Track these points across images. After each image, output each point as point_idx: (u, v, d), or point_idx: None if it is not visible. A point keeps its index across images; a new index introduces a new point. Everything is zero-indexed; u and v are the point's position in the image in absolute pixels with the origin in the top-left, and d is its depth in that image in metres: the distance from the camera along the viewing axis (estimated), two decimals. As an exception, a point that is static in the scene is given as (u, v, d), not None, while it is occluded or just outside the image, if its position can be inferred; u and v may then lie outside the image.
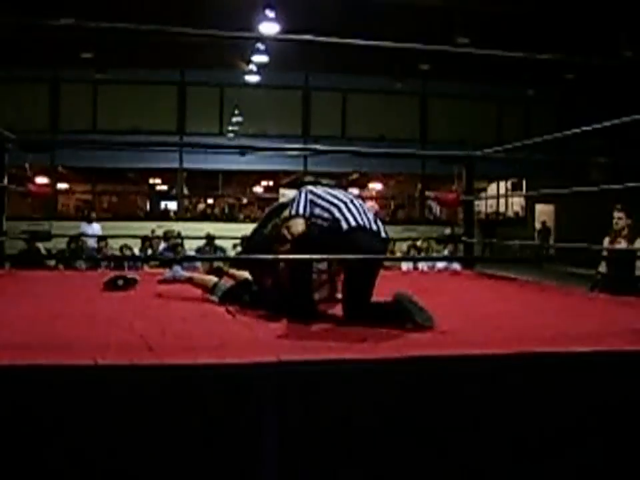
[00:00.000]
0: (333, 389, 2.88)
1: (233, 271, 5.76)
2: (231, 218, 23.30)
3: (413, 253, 12.11)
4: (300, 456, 2.79)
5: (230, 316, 4.33)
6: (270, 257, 4.40)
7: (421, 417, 2.91)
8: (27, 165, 6.94)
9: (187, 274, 5.46)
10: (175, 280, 5.43)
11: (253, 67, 19.42)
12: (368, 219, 4.02)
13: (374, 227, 4.04)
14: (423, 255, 12.19)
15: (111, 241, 12.35)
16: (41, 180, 21.59)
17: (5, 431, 2.55)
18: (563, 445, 2.95)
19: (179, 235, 13.98)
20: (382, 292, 4.06)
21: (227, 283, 5.10)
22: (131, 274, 6.36)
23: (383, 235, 4.06)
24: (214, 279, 5.22)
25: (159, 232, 15.22)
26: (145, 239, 11.44)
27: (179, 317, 4.18)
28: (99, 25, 4.26)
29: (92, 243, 12.14)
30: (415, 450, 2.90)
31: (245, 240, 8.19)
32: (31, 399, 2.60)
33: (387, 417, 2.88)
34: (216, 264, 6.03)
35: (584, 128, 5.65)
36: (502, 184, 25.55)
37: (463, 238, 7.81)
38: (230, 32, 4.82)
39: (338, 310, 4.18)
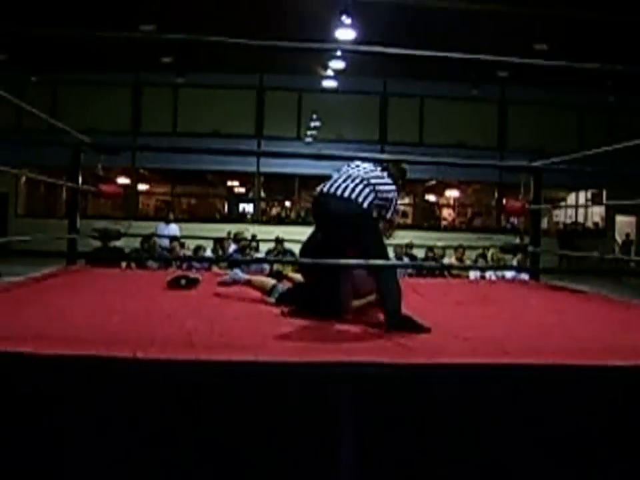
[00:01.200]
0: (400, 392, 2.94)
1: (292, 274, 5.85)
2: (305, 221, 23.43)
3: (480, 262, 12.01)
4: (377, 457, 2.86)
5: (283, 317, 4.39)
6: (310, 261, 4.46)
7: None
8: (99, 166, 7.15)
9: (246, 276, 5.51)
10: (234, 282, 5.48)
11: (330, 73, 19.55)
12: (335, 184, 4.17)
13: (332, 190, 4.15)
14: (493, 264, 12.07)
15: (187, 241, 12.61)
16: (123, 180, 22.21)
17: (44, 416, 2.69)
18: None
19: (253, 238, 14.21)
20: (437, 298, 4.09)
21: (284, 285, 5.17)
22: (195, 274, 6.51)
23: (346, 195, 4.09)
24: (272, 281, 5.30)
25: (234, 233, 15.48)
26: (216, 240, 11.63)
27: (231, 316, 4.28)
28: (180, 37, 4.44)
29: (165, 242, 12.39)
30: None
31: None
32: (72, 386, 2.72)
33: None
34: (276, 267, 6.12)
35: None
36: (582, 194, 25.02)
37: (529, 248, 7.71)
38: (306, 43, 4.90)
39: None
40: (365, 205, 4.05)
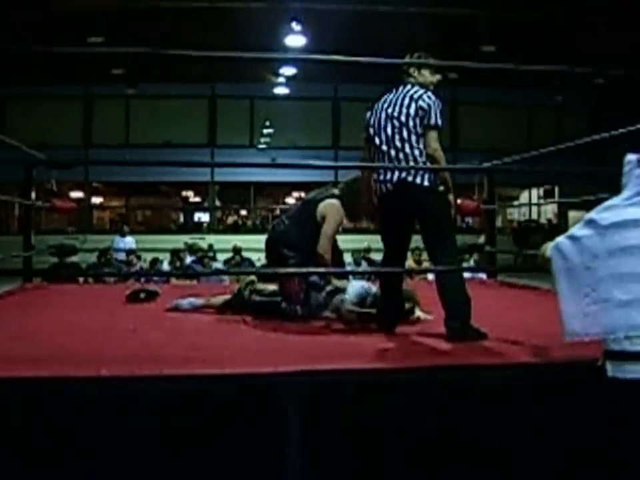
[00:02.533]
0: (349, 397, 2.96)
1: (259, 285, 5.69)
2: (262, 229, 23.38)
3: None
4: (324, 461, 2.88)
5: (244, 326, 4.40)
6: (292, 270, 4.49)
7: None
8: (52, 181, 7.08)
9: (200, 301, 5.37)
10: (191, 309, 5.26)
11: (281, 79, 19.56)
12: None
13: None
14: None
15: (144, 254, 12.50)
16: (76, 194, 21.96)
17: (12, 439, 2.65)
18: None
19: (210, 248, 14.13)
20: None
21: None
22: (153, 287, 6.47)
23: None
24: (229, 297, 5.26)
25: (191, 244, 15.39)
26: (173, 252, 11.53)
27: (193, 329, 4.26)
28: (129, 50, 4.43)
29: (122, 256, 12.29)
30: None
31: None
32: (38, 409, 2.69)
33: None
34: (241, 282, 5.98)
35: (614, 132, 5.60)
36: (534, 191, 25.36)
37: (486, 247, 7.81)
38: (256, 53, 4.92)
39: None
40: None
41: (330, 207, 4.98)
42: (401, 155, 4.14)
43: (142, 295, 5.92)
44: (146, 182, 21.91)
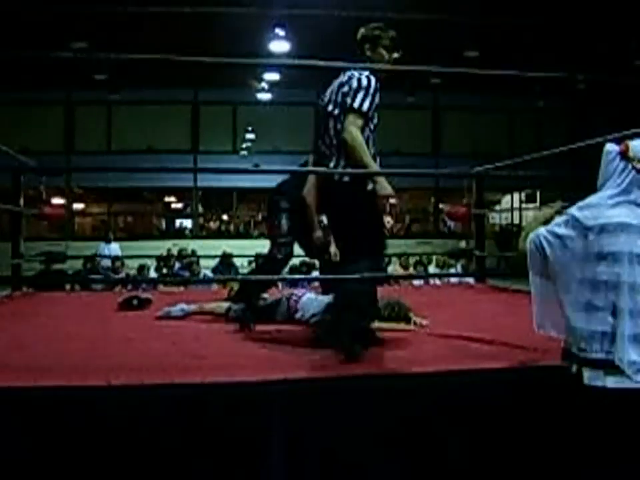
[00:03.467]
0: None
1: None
2: (245, 235, 23.32)
3: (418, 268, 12.15)
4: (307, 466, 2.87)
5: (242, 334, 4.40)
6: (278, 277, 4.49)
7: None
8: (42, 188, 7.03)
9: (192, 307, 5.37)
10: (181, 317, 5.25)
11: (264, 85, 19.54)
12: None
13: None
14: (437, 270, 12.24)
15: (128, 260, 12.44)
16: (57, 201, 21.81)
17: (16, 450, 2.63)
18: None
19: (193, 253, 14.10)
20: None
21: (239, 305, 5.13)
22: (145, 294, 6.43)
23: None
24: (224, 304, 5.25)
25: (175, 250, 15.35)
26: (159, 258, 11.50)
27: (192, 337, 4.25)
28: (111, 57, 4.40)
29: (108, 263, 12.23)
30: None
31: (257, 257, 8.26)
32: (48, 419, 2.67)
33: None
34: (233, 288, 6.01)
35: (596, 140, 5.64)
36: (516, 195, 25.49)
37: (475, 252, 7.83)
38: (241, 59, 4.94)
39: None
40: None
41: None
42: (323, 148, 3.96)
43: (134, 302, 5.89)
44: (128, 187, 21.82)
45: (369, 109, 3.74)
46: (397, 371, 3.21)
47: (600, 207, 2.62)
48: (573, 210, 2.65)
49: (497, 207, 25.59)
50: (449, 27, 14.62)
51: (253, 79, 19.33)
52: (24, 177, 6.91)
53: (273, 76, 17.96)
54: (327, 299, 4.91)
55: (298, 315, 4.90)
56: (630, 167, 2.66)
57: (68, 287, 9.73)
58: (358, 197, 3.77)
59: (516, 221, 26.62)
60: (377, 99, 3.78)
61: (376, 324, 4.54)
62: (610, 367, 2.44)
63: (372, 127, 3.87)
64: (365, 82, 3.76)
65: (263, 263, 5.58)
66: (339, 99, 3.84)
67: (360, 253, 3.74)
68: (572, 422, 2.58)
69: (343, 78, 3.89)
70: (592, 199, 2.68)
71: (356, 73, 3.83)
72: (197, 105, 22.08)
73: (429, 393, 3.06)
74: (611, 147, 2.74)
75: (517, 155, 7.54)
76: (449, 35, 15.10)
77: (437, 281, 11.03)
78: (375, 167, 3.78)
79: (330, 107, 3.91)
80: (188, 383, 2.82)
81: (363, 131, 3.75)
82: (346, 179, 3.77)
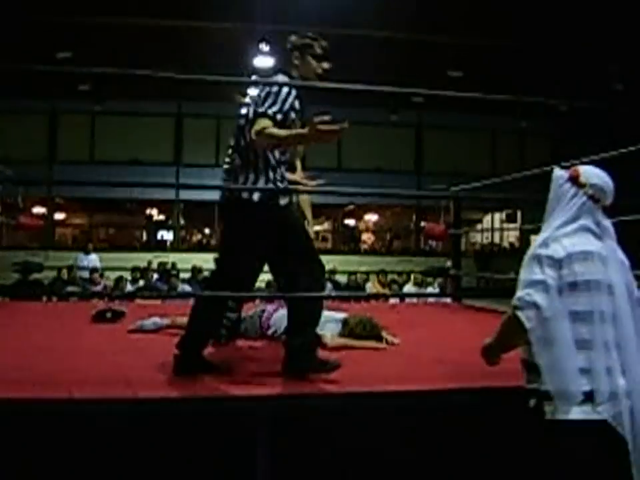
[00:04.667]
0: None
1: None
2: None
3: (393, 287, 12.22)
4: None
5: (213, 350, 4.39)
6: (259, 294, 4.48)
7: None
8: (19, 198, 7.01)
9: (165, 321, 5.32)
10: (154, 330, 5.22)
11: (248, 100, 19.55)
12: None
13: None
14: (415, 288, 12.26)
15: (108, 272, 12.41)
16: (38, 210, 21.73)
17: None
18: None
19: (173, 266, 14.09)
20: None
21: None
22: (118, 306, 6.41)
23: None
24: None
25: (156, 262, 15.34)
26: (134, 270, 11.48)
27: (161, 350, 4.24)
28: (98, 71, 4.42)
29: (86, 274, 12.19)
30: None
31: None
32: (8, 431, 2.66)
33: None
34: None
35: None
36: (497, 215, 25.63)
37: (451, 271, 7.87)
38: (222, 77, 4.98)
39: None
40: None
41: None
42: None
43: (108, 315, 5.87)
44: (110, 198, 21.75)
45: (278, 112, 3.60)
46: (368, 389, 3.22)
47: (562, 237, 2.57)
48: (539, 251, 2.55)
49: (478, 226, 25.72)
50: (432, 46, 14.74)
51: (237, 92, 19.35)
52: (1, 186, 6.89)
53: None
54: None
55: (270, 331, 4.92)
56: (581, 193, 2.63)
57: (45, 297, 9.67)
58: (271, 216, 3.65)
59: (496, 241, 26.83)
60: (289, 105, 3.67)
61: (347, 341, 4.58)
62: (573, 400, 2.41)
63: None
64: (274, 88, 3.70)
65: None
66: (251, 110, 3.78)
67: (297, 274, 3.62)
68: (526, 448, 2.58)
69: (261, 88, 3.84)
70: (547, 233, 2.60)
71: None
72: (180, 117, 22.07)
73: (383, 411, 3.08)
74: (560, 172, 2.71)
75: (499, 175, 7.60)
76: (432, 54, 15.21)
77: (414, 299, 11.03)
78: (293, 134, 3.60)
79: (241, 121, 3.89)
80: (151, 398, 2.81)
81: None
82: (255, 197, 3.61)
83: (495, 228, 25.65)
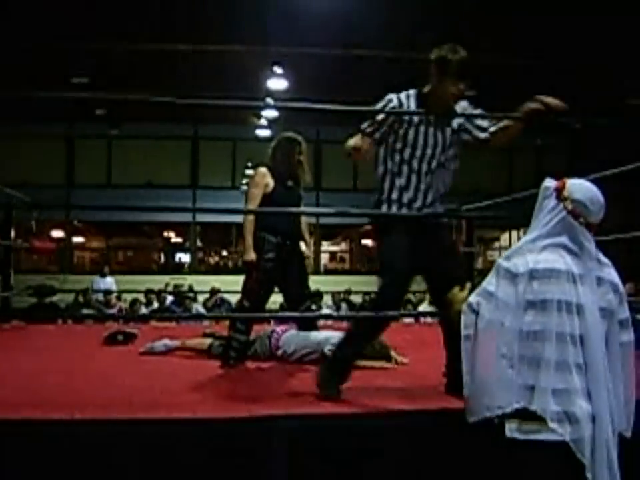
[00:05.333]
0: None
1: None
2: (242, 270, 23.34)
3: (408, 307, 12.12)
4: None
5: (222, 371, 4.40)
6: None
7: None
8: (32, 222, 7.07)
9: (176, 343, 5.36)
10: (164, 352, 5.26)
11: (263, 122, 19.66)
12: None
13: None
14: (430, 307, 12.15)
15: (124, 294, 12.48)
16: (57, 233, 21.91)
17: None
18: None
19: (190, 289, 14.11)
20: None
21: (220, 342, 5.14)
22: (132, 328, 6.44)
23: None
24: (207, 341, 5.26)
25: (172, 284, 15.39)
26: (147, 292, 11.54)
27: (170, 373, 4.25)
28: (112, 97, 4.47)
29: (101, 297, 12.26)
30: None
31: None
32: (11, 452, 2.68)
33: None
34: (209, 330, 6.05)
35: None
36: (514, 233, 25.53)
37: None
38: (236, 101, 5.06)
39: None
40: None
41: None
42: None
43: (120, 337, 5.90)
44: (128, 222, 21.88)
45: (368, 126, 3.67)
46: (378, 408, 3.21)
47: (527, 252, 2.48)
48: (500, 260, 2.52)
49: (496, 244, 25.63)
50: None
51: (252, 115, 19.47)
52: (16, 211, 6.96)
53: (271, 113, 18.09)
54: (310, 335, 4.93)
55: (280, 352, 4.91)
56: (561, 206, 2.52)
57: (60, 320, 9.73)
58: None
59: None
60: (383, 117, 3.64)
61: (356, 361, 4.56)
62: (532, 419, 2.34)
63: (392, 149, 3.71)
64: (381, 101, 3.71)
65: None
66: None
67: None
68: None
69: None
70: (518, 245, 2.55)
71: None
72: (196, 140, 22.20)
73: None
74: (547, 184, 2.60)
75: (515, 193, 7.56)
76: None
77: (429, 319, 10.94)
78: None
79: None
80: (151, 419, 2.82)
81: (377, 152, 3.75)
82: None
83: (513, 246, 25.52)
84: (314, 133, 22.19)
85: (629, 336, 2.53)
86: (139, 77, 14.96)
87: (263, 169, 5.04)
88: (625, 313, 2.53)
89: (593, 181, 2.65)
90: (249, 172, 22.58)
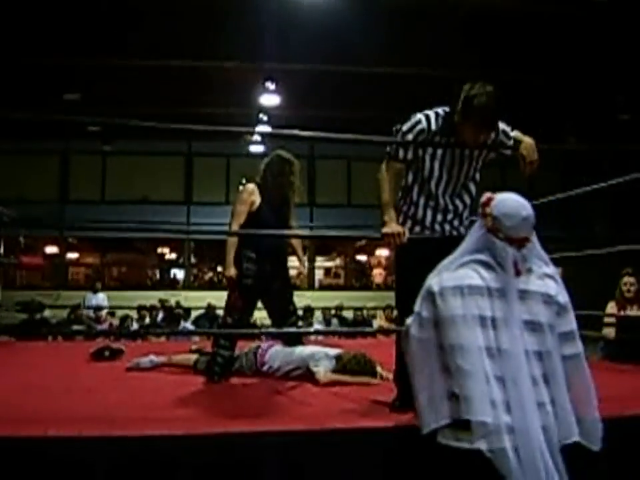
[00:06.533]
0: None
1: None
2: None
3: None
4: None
5: (206, 387, 4.38)
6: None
7: None
8: (20, 239, 7.07)
9: (161, 358, 5.36)
10: (150, 368, 5.24)
11: (257, 137, 19.68)
12: None
13: None
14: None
15: (117, 311, 12.46)
16: (51, 249, 21.87)
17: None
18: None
19: (177, 305, 14.10)
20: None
21: (206, 357, 5.12)
22: (119, 344, 6.43)
23: None
24: (193, 356, 5.25)
25: (174, 300, 15.43)
26: (139, 308, 11.53)
27: (154, 388, 4.23)
28: (107, 121, 4.46)
29: (92, 313, 12.25)
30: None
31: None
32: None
33: None
34: (196, 346, 6.05)
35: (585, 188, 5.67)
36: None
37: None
38: (232, 127, 5.11)
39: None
40: None
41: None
42: None
43: (106, 353, 5.88)
44: (121, 238, 21.85)
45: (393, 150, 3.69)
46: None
47: (444, 271, 2.51)
48: (424, 283, 2.55)
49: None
50: (437, 81, 14.76)
51: (246, 132, 19.50)
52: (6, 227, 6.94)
53: (265, 129, 18.13)
54: (295, 350, 4.92)
55: (265, 368, 4.90)
56: (482, 223, 2.53)
57: (50, 336, 9.70)
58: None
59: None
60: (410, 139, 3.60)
61: (340, 377, 4.55)
62: (465, 428, 2.32)
63: (418, 173, 3.70)
64: (401, 127, 3.66)
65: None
66: None
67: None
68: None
69: None
70: (443, 262, 2.56)
71: None
72: (190, 156, 22.21)
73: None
74: (483, 198, 2.62)
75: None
76: (437, 89, 15.23)
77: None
78: (386, 207, 3.67)
79: None
80: (128, 436, 2.79)
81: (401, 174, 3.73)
82: None
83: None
84: (305, 149, 22.23)
85: (574, 349, 2.49)
86: (131, 92, 14.99)
87: (251, 186, 5.06)
88: (568, 325, 2.49)
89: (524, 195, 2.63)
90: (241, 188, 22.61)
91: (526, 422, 2.29)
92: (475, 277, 2.43)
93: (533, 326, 2.39)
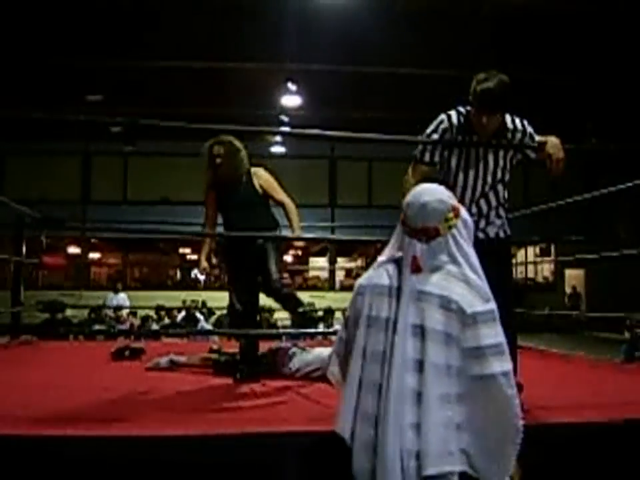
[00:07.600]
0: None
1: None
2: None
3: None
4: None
5: (225, 387, 4.38)
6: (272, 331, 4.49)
7: None
8: (42, 239, 7.10)
9: (182, 358, 5.36)
10: (170, 367, 5.25)
11: (278, 138, 19.72)
12: None
13: None
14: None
15: (139, 310, 12.52)
16: (73, 250, 22.02)
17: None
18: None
19: (204, 305, 14.14)
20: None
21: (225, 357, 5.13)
22: (140, 344, 6.45)
23: None
24: (213, 356, 5.26)
25: (189, 300, 15.47)
26: (158, 309, 11.58)
27: (172, 388, 4.23)
28: (127, 120, 4.48)
29: (112, 313, 12.30)
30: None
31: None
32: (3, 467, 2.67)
33: None
34: (216, 346, 6.04)
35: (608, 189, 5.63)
36: (530, 249, 25.38)
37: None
38: (249, 127, 5.14)
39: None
40: None
41: (263, 174, 5.25)
42: None
43: (127, 353, 5.90)
44: (143, 238, 21.92)
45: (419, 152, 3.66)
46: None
47: (372, 267, 2.31)
48: None
49: (512, 261, 25.50)
50: (454, 81, 14.71)
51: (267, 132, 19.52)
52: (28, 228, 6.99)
53: (285, 129, 18.16)
54: (315, 351, 4.91)
55: (286, 369, 4.89)
56: (401, 216, 2.29)
57: (72, 335, 9.76)
58: None
59: (530, 275, 26.52)
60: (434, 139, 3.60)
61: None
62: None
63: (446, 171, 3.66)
64: (427, 130, 3.65)
65: (229, 320, 5.62)
66: None
67: None
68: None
69: None
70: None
71: None
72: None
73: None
74: None
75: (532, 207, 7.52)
76: (454, 89, 15.18)
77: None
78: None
79: None
80: (145, 436, 2.79)
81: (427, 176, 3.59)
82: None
83: (528, 262, 25.41)
84: (327, 149, 22.22)
85: (480, 369, 2.03)
86: (153, 93, 15.06)
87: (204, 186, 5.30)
88: (474, 341, 2.04)
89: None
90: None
91: (388, 436, 2.01)
92: (383, 275, 2.22)
93: (419, 331, 2.08)
